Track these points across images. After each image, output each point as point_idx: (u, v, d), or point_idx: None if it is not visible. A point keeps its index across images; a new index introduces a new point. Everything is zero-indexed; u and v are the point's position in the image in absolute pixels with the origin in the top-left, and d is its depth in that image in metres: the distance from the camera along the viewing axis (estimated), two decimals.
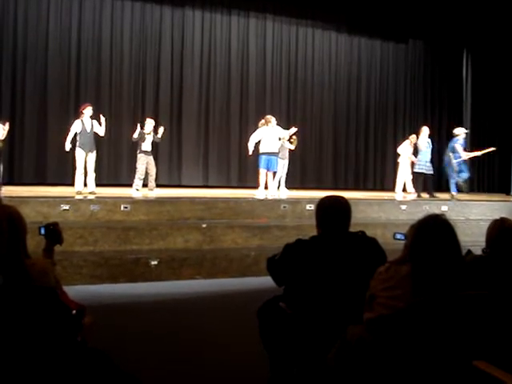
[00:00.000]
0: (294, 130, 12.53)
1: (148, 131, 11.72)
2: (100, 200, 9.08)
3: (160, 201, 9.60)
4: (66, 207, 8.48)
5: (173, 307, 6.29)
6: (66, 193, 10.23)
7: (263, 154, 11.83)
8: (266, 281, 3.60)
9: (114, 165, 14.12)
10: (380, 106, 17.71)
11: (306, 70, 16.72)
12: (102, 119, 10.80)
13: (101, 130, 10.77)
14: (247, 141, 14.75)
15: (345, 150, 17.12)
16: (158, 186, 12.29)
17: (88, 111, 10.63)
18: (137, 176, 11.61)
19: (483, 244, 3.88)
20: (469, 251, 3.95)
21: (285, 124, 14.55)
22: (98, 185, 10.95)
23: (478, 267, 3.34)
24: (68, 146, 10.65)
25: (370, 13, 16.67)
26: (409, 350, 2.44)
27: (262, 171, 11.88)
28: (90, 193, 10.41)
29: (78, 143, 10.53)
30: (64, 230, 3.79)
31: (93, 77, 14.10)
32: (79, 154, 10.51)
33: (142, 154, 11.62)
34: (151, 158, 11.75)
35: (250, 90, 15.89)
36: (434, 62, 18.36)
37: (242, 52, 15.83)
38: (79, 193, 10.26)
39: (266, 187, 11.99)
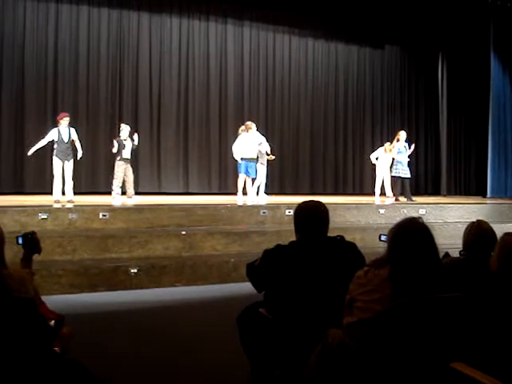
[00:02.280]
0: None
1: (124, 137, 11.61)
2: (78, 208, 9.02)
3: (139, 208, 9.56)
4: (45, 216, 8.41)
5: (153, 315, 6.26)
6: (44, 202, 10.16)
7: (242, 159, 11.85)
8: (245, 287, 3.61)
9: (92, 173, 14.02)
10: (357, 111, 17.81)
11: (284, 76, 16.77)
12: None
13: (79, 151, 10.88)
14: (227, 147, 14.83)
15: (323, 155, 17.18)
16: (138, 193, 12.22)
17: (65, 121, 10.60)
18: (115, 183, 11.52)
19: (461, 246, 3.92)
20: (446, 254, 4.00)
21: (263, 129, 14.60)
22: (76, 193, 10.88)
23: (455, 270, 3.38)
24: (31, 152, 10.66)
25: (347, 19, 16.77)
26: (388, 352, 2.46)
27: (242, 176, 11.88)
28: (69, 201, 10.35)
29: (54, 152, 10.47)
30: (42, 239, 3.76)
31: (70, 85, 14.00)
32: (56, 162, 10.45)
33: (122, 162, 11.48)
34: (129, 165, 11.66)
35: (228, 96, 15.90)
36: (410, 66, 18.53)
37: (220, 58, 15.83)
38: (57, 201, 10.18)
39: (244, 193, 11.99)
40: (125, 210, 9.41)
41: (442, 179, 18.21)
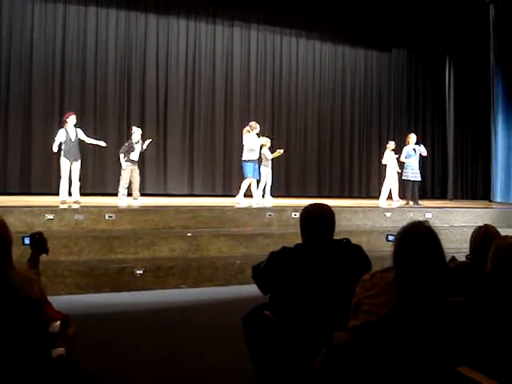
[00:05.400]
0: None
1: (136, 140, 11.61)
2: (85, 209, 9.04)
3: (145, 210, 9.57)
4: (51, 217, 8.43)
5: (158, 317, 6.26)
6: (51, 202, 10.18)
7: (250, 161, 11.82)
8: (251, 289, 3.61)
9: (99, 174, 14.04)
10: (364, 114, 17.79)
11: (291, 79, 16.77)
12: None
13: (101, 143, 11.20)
14: (232, 149, 14.85)
15: (330, 158, 17.16)
16: (143, 194, 12.22)
17: (72, 120, 10.62)
18: (121, 184, 11.53)
19: (467, 251, 3.91)
20: (453, 258, 3.99)
21: (269, 132, 14.61)
22: (82, 194, 10.91)
23: (462, 274, 3.37)
24: (55, 148, 10.65)
25: (354, 22, 16.77)
26: (393, 356, 2.45)
27: (250, 179, 11.86)
28: (75, 202, 10.36)
29: (62, 152, 10.49)
30: (48, 240, 3.77)
31: (77, 86, 14.02)
32: (64, 163, 10.47)
33: (129, 163, 11.51)
34: (136, 167, 11.65)
35: (234, 99, 15.90)
36: (417, 69, 18.50)
37: (227, 61, 15.84)
38: (64, 202, 10.20)
39: (246, 195, 11.97)
40: (131, 211, 9.42)
41: (448, 183, 18.15)
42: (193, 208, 9.91)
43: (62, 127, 10.65)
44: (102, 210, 9.04)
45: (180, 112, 15.22)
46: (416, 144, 13.34)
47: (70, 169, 10.51)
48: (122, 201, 11.13)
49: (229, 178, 15.45)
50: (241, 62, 16.01)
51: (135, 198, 11.44)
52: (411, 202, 12.97)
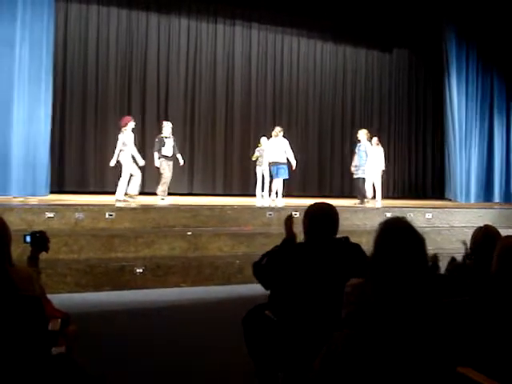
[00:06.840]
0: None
1: (167, 134, 11.56)
2: (85, 208, 9.04)
3: (145, 208, 9.57)
4: (51, 215, 8.43)
5: (158, 315, 6.26)
6: (51, 200, 10.18)
7: (275, 163, 12.05)
8: (251, 288, 3.62)
9: (100, 172, 14.01)
10: (365, 114, 17.78)
11: (292, 78, 16.77)
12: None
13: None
14: (232, 148, 14.81)
15: (330, 157, 17.17)
16: (143, 193, 12.20)
17: (132, 124, 10.84)
18: (161, 183, 11.47)
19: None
20: (453, 258, 3.99)
21: (270, 131, 14.57)
22: (83, 192, 10.92)
23: (462, 274, 3.37)
24: (143, 162, 11.06)
25: (355, 22, 16.75)
26: (393, 358, 2.45)
27: (278, 180, 12.06)
28: (133, 195, 10.71)
29: (130, 154, 10.74)
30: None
31: (79, 84, 14.01)
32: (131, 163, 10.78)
33: (163, 159, 11.41)
34: (171, 163, 11.59)
35: (235, 98, 15.90)
36: (417, 69, 18.49)
37: (228, 60, 15.84)
38: (120, 200, 10.35)
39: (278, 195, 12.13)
40: (131, 210, 9.42)
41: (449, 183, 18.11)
42: (193, 207, 9.91)
43: (121, 131, 10.84)
44: (102, 208, 9.05)
45: (181, 110, 15.22)
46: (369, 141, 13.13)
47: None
48: (164, 201, 11.08)
49: (229, 177, 15.44)
50: (242, 61, 16.01)
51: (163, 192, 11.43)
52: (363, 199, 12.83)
